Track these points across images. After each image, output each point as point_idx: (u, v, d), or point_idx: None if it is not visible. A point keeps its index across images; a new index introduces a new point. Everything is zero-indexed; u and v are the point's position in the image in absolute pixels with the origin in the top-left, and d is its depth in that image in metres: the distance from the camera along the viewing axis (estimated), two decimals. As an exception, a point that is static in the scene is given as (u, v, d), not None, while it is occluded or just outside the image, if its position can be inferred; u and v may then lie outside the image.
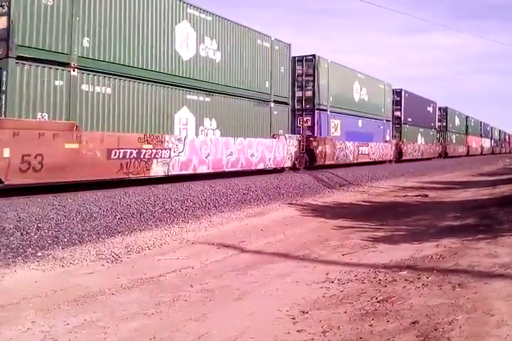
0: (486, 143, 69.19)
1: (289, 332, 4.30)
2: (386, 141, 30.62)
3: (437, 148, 43.32)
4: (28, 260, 6.78)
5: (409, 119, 34.94)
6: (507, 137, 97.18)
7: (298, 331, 4.31)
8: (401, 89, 34.13)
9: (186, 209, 11.03)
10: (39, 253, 7.11)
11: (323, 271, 6.38)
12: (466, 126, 55.41)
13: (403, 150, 33.44)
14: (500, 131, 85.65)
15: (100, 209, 9.67)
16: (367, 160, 26.96)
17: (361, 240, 8.46)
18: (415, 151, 36.39)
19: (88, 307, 5.07)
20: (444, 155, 44.98)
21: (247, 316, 4.79)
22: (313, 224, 10.53)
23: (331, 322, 4.49)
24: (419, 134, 37.97)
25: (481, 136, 64.79)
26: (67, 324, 4.57)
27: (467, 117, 56.18)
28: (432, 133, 41.75)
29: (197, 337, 4.26)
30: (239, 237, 8.85)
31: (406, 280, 5.79)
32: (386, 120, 30.48)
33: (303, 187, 16.43)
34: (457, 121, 51.31)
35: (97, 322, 4.62)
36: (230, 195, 13.16)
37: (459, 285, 5.47)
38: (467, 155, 53.96)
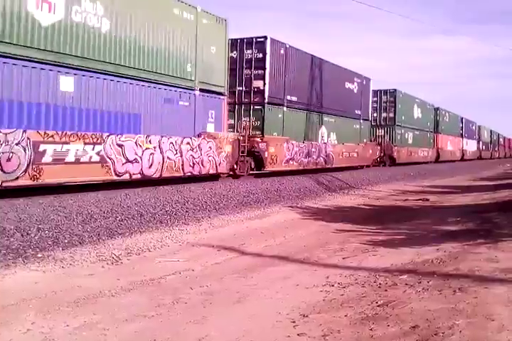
0: (471, 145, 56.66)
1: (289, 336, 4.29)
2: (199, 135, 15.18)
3: (370, 151, 28.62)
4: (28, 261, 6.78)
5: (292, 98, 20.22)
6: (501, 140, 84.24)
7: (298, 334, 4.30)
8: (265, 37, 18.72)
9: (187, 211, 11.04)
10: (39, 255, 7.11)
11: (324, 275, 6.37)
12: (436, 121, 41.86)
13: (264, 156, 18.19)
14: (492, 131, 72.78)
15: (101, 210, 9.69)
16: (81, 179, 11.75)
17: (361, 244, 8.45)
18: (300, 154, 20.81)
19: (88, 308, 5.07)
20: (389, 161, 31.67)
21: (247, 319, 4.78)
22: (313, 227, 10.52)
23: (331, 325, 4.48)
24: (324, 127, 22.95)
25: (462, 136, 51.79)
26: (67, 325, 4.57)
27: (437, 109, 42.40)
28: (358, 126, 26.93)
29: (197, 339, 4.25)
30: (239, 240, 8.84)
31: (406, 284, 5.78)
32: (203, 90, 15.43)
33: (304, 190, 16.44)
34: (417, 113, 36.82)
35: (97, 324, 4.62)
36: (231, 197, 13.18)
37: (459, 289, 5.46)
38: (437, 161, 41.16)
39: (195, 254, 7.69)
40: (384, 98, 32.25)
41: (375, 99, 31.38)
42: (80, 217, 9.10)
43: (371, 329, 4.34)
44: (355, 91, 26.40)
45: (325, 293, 5.54)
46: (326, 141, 23.30)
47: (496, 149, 77.54)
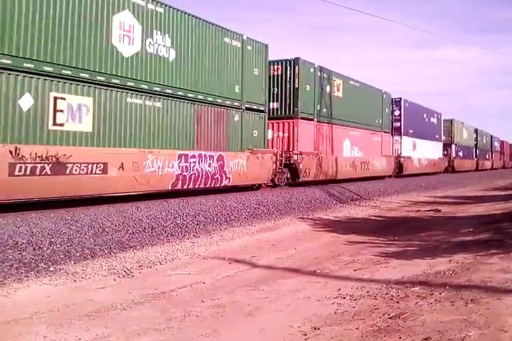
0: (425, 149, 34.92)
1: (300, 348, 4.28)
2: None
3: None
4: (40, 275, 6.83)
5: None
6: (496, 144, 61.79)
7: (309, 347, 4.29)
8: None
9: (197, 224, 11.06)
10: (51, 268, 7.15)
11: (335, 287, 6.35)
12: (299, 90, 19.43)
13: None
14: (478, 131, 51.57)
15: (112, 223, 9.74)
16: None
17: (373, 255, 8.41)
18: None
19: (100, 322, 5.09)
20: None
21: (258, 332, 4.77)
22: (324, 239, 10.49)
23: (343, 338, 4.46)
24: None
25: (400, 132, 30.50)
26: (79, 339, 4.59)
27: (295, 62, 19.39)
28: None
29: (208, 352, 4.25)
30: (250, 252, 8.84)
31: (418, 296, 5.74)
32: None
33: (314, 202, 16.41)
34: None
35: (108, 337, 4.63)
36: (241, 209, 13.18)
37: (471, 301, 5.41)
38: (294, 182, 19.36)
39: (206, 267, 7.70)
40: None
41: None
42: (92, 230, 9.16)
43: (383, 342, 4.31)
44: None
45: (336, 306, 5.52)
46: None
47: (488, 157, 56.18)
